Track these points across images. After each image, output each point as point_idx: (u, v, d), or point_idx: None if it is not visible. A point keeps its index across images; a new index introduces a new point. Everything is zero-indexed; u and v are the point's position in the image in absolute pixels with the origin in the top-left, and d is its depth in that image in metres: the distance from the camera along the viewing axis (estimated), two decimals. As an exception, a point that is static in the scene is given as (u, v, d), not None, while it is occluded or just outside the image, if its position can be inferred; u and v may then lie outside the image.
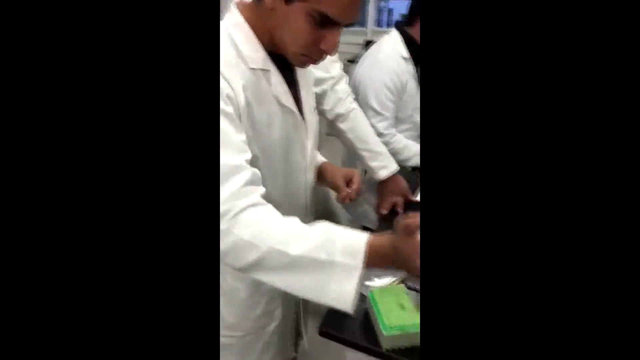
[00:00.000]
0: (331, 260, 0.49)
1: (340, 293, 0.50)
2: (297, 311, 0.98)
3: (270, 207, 0.55)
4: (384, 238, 0.51)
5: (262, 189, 0.57)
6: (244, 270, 0.53)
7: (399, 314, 0.68)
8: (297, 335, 1.02)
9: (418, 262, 0.47)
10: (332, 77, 1.07)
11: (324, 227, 0.53)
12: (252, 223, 0.52)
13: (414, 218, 0.49)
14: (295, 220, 0.55)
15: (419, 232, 0.48)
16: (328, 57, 0.91)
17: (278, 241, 0.51)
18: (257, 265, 0.51)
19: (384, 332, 0.66)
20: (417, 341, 0.68)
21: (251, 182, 0.55)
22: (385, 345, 0.67)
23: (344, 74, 1.12)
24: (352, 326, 0.73)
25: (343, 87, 1.10)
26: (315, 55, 0.64)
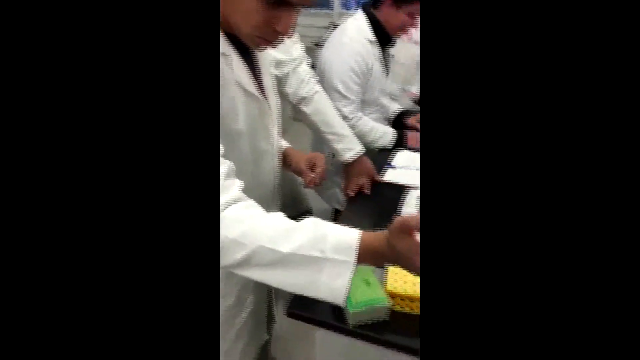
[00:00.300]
0: (323, 257, 0.49)
1: (333, 289, 0.49)
2: (270, 296, 0.98)
3: (251, 202, 0.54)
4: (378, 235, 0.51)
5: (239, 182, 0.55)
6: (231, 268, 0.51)
7: (364, 290, 0.70)
8: (270, 319, 1.03)
9: (417, 260, 0.47)
10: (294, 59, 1.05)
11: (313, 223, 0.52)
12: (237, 221, 0.50)
13: (412, 216, 0.48)
14: (280, 216, 0.54)
15: (416, 231, 0.48)
16: (289, 39, 0.89)
17: (267, 239, 0.50)
18: (245, 263, 0.50)
19: (350, 309, 0.67)
20: (382, 316, 0.70)
21: (228, 175, 0.53)
22: (352, 321, 0.68)
23: (306, 55, 1.10)
24: (320, 306, 0.74)
25: (305, 69, 1.09)
26: (270, 37, 0.63)
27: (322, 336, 0.76)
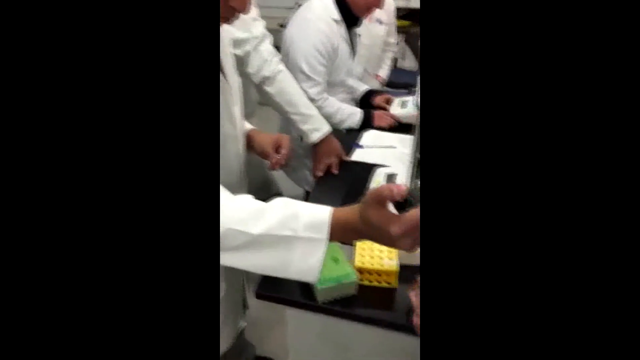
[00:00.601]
0: (295, 236, 0.48)
1: (306, 268, 0.48)
2: (242, 282, 0.97)
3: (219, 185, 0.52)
4: (350, 209, 0.49)
5: None
6: None
7: (332, 266, 0.70)
8: (244, 305, 1.02)
9: (391, 231, 0.45)
10: (255, 37, 1.02)
11: (283, 202, 0.51)
12: None
13: (385, 187, 0.47)
14: (249, 198, 0.52)
15: (389, 202, 0.46)
16: (248, 15, 0.86)
17: (236, 221, 0.48)
18: None
19: (318, 286, 0.67)
20: (350, 291, 0.70)
21: None
22: (320, 297, 0.68)
23: (268, 33, 1.07)
24: (288, 285, 0.73)
25: (267, 47, 1.06)
26: (226, 13, 0.60)
27: (293, 315, 0.76)
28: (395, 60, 2.38)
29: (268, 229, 0.48)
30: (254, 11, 1.04)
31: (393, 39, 1.88)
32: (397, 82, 2.09)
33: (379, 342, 0.73)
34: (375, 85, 1.83)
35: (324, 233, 0.48)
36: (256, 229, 0.48)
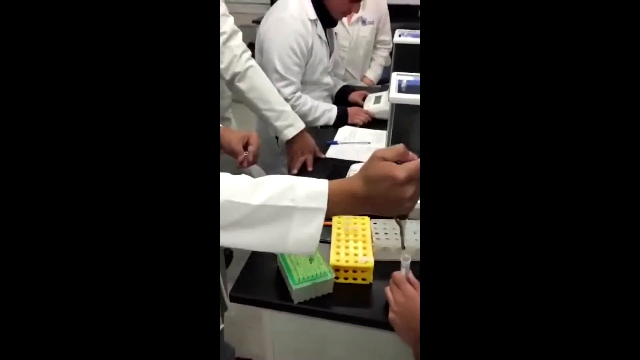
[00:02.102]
0: (294, 207, 0.47)
1: (304, 238, 0.48)
2: (219, 282, 0.95)
3: None
4: (347, 178, 0.50)
5: None
6: None
7: (307, 266, 0.69)
8: (223, 306, 1.00)
9: (399, 173, 0.46)
10: (223, 32, 0.99)
11: (279, 177, 0.50)
12: None
13: (399, 145, 0.48)
14: (244, 176, 0.51)
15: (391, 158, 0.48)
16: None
17: (235, 193, 0.47)
18: None
19: (293, 286, 0.66)
20: (326, 290, 0.69)
21: None
22: (296, 298, 0.68)
23: (237, 29, 1.04)
24: (263, 286, 0.72)
25: (238, 43, 1.03)
26: None
27: (269, 316, 0.75)
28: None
29: (267, 200, 0.47)
30: (222, 7, 1.01)
31: (386, 36, 1.80)
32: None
33: (358, 339, 0.73)
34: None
35: (323, 203, 0.48)
36: (256, 199, 0.47)
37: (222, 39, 1.00)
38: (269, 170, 1.41)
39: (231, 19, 1.03)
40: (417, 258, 0.76)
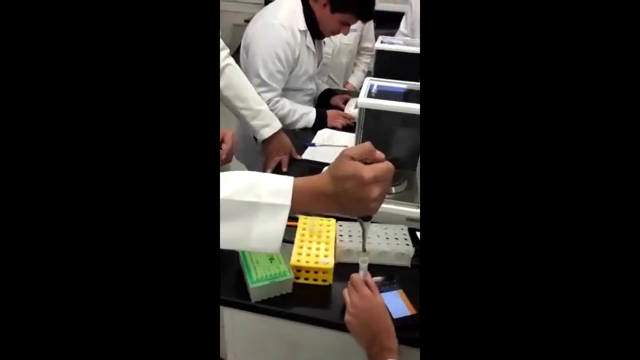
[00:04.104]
0: (259, 202, 0.47)
1: (267, 235, 0.48)
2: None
3: None
4: (314, 176, 0.49)
5: None
6: None
7: (267, 265, 0.69)
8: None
9: (366, 173, 0.46)
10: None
11: (245, 173, 0.50)
12: None
13: (366, 144, 0.48)
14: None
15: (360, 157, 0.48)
16: None
17: None
18: None
19: (251, 284, 0.66)
20: (285, 290, 0.69)
21: None
22: (254, 297, 0.67)
23: (216, 27, 1.04)
24: (226, 284, 0.72)
25: (216, 41, 1.03)
26: None
27: (229, 315, 0.74)
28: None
29: (232, 194, 0.47)
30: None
31: (369, 43, 1.81)
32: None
33: (321, 339, 0.73)
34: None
35: (287, 199, 0.48)
36: (220, 193, 0.47)
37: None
38: (251, 168, 1.41)
39: None
40: (380, 261, 0.77)
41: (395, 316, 0.64)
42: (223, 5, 1.04)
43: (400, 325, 0.62)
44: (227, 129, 0.90)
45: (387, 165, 0.48)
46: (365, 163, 0.48)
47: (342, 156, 0.49)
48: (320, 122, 1.36)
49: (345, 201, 0.48)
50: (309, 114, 1.35)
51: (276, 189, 0.48)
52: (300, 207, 0.49)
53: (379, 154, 0.49)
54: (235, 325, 0.76)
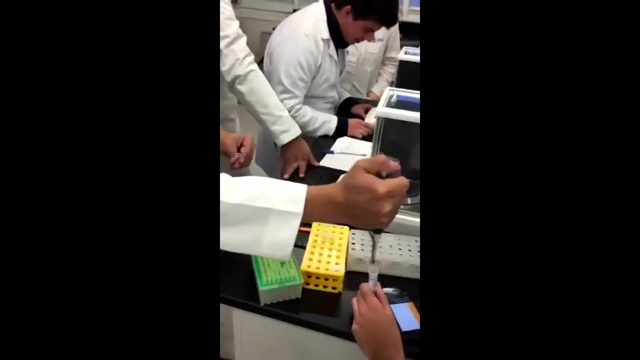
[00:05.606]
0: (271, 209, 0.47)
1: (278, 242, 0.48)
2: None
3: None
4: (329, 185, 0.49)
5: None
6: None
7: (278, 269, 0.69)
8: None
9: (380, 187, 0.45)
10: (227, 36, 1.02)
11: (259, 178, 0.51)
12: None
13: (380, 156, 0.48)
14: (225, 175, 0.52)
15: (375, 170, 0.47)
16: (222, 15, 0.85)
17: None
18: None
19: (260, 287, 0.67)
20: (294, 295, 0.70)
21: None
22: (263, 300, 0.68)
23: (242, 33, 1.07)
24: (237, 286, 0.73)
25: (241, 47, 1.06)
26: None
27: (238, 316, 0.75)
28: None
29: (244, 199, 0.48)
30: (228, 11, 1.04)
31: (395, 54, 1.78)
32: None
33: (327, 347, 0.72)
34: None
35: (300, 207, 0.48)
36: (232, 198, 0.47)
37: (226, 42, 1.02)
38: (270, 172, 1.43)
39: (236, 23, 1.05)
40: (391, 272, 0.76)
41: (404, 329, 0.63)
42: (252, 14, 1.07)
43: (409, 338, 0.61)
44: (247, 133, 0.92)
45: (402, 180, 0.47)
46: (380, 176, 0.48)
47: (356, 167, 0.49)
48: (341, 130, 1.36)
49: (357, 213, 0.48)
50: (330, 122, 1.36)
51: (289, 196, 0.48)
52: (313, 215, 0.49)
53: (394, 164, 0.49)
54: (244, 328, 0.77)
